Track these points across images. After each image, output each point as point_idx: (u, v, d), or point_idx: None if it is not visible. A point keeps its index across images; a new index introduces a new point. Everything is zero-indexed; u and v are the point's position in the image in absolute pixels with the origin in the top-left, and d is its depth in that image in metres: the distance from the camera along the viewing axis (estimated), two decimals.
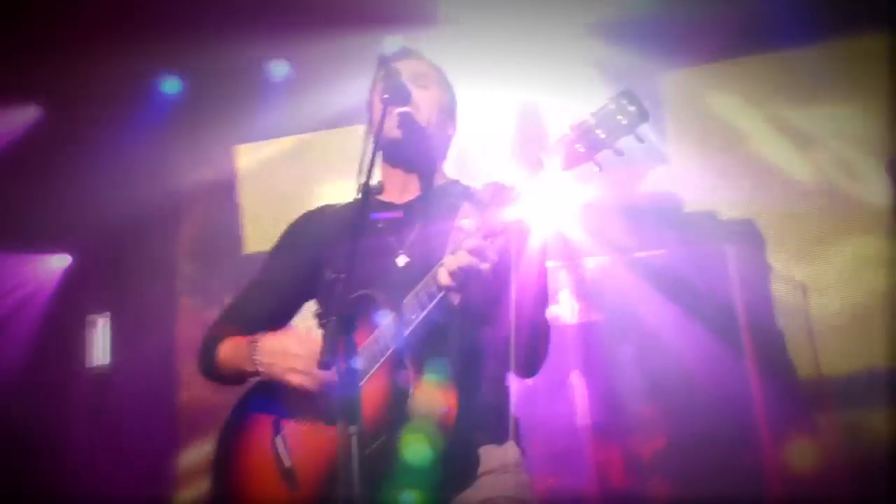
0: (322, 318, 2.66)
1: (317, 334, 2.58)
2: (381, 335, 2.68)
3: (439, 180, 3.12)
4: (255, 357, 2.83)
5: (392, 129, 2.89)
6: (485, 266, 2.52)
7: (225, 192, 6.58)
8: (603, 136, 2.41)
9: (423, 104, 3.00)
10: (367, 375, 2.65)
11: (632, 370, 5.29)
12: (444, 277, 2.55)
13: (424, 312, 2.61)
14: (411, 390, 2.57)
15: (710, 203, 5.73)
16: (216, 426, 3.09)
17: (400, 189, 3.09)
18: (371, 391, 2.57)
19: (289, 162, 6.49)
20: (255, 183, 6.61)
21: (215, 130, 6.30)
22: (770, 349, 5.32)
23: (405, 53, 3.13)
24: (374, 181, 2.58)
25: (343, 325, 2.24)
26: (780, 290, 5.54)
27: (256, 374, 2.87)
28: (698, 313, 5.14)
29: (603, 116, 2.42)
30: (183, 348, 6.23)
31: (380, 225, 2.93)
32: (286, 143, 6.54)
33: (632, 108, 2.40)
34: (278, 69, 6.10)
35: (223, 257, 6.40)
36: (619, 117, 2.40)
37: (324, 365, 2.19)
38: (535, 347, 2.86)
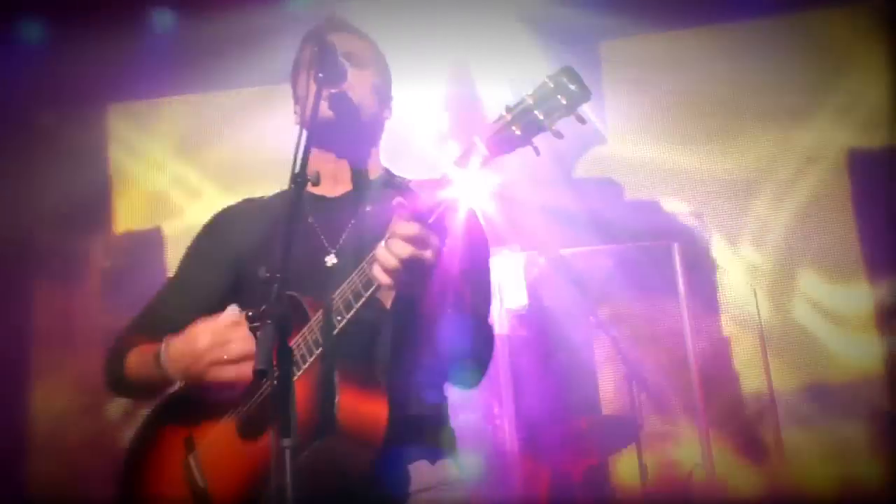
0: (253, 321, 2.44)
1: (228, 317, 2.60)
2: (305, 339, 2.57)
3: (374, 171, 3.02)
4: (163, 362, 2.69)
5: (323, 110, 2.76)
6: (427, 254, 2.38)
7: (94, 159, 6.07)
8: (541, 117, 2.30)
9: (358, 85, 2.88)
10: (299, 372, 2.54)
11: (564, 381, 5.13)
12: (379, 274, 2.41)
13: (351, 313, 2.48)
14: (337, 399, 2.46)
15: (654, 189, 5.54)
16: (74, 423, 2.74)
17: (332, 180, 2.96)
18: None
19: (169, 126, 6.11)
20: (130, 150, 6.13)
21: (86, 86, 5.85)
22: (715, 359, 5.21)
23: (337, 26, 3.00)
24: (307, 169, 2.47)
25: (279, 330, 2.17)
26: (730, 293, 5.36)
27: (170, 381, 2.73)
28: (640, 317, 5.05)
29: (541, 96, 2.31)
30: (38, 338, 5.73)
31: (310, 220, 2.86)
32: (168, 104, 6.14)
33: (572, 87, 2.29)
34: (162, 20, 5.70)
35: (89, 235, 5.94)
36: (559, 97, 2.29)
37: (260, 375, 2.09)
38: (476, 353, 2.75)
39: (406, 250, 2.36)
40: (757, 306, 5.25)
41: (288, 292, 2.44)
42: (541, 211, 5.23)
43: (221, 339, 2.61)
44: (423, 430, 2.74)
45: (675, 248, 5.18)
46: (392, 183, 2.96)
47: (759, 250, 5.41)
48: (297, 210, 2.39)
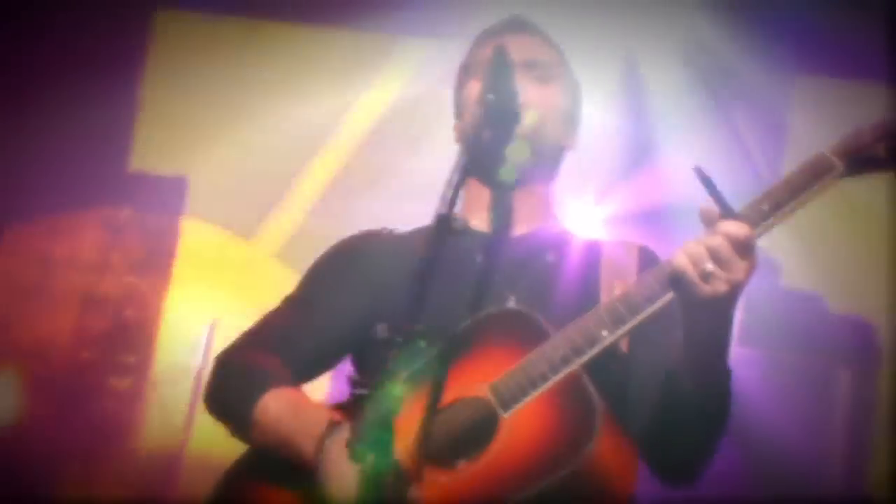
0: (357, 385, 2.23)
1: None
2: (544, 354, 2.41)
3: (547, 215, 2.89)
4: (325, 451, 2.44)
5: (484, 126, 2.44)
6: (742, 270, 2.21)
7: (122, 76, 5.52)
8: None
9: (539, 108, 2.70)
10: (516, 405, 2.40)
11: None
12: (685, 263, 2.23)
13: (624, 329, 2.36)
14: (592, 441, 2.30)
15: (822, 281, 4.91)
16: None
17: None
18: (523, 427, 2.38)
19: (226, 52, 5.57)
20: (172, 73, 5.59)
21: None
22: None
23: (518, 25, 2.87)
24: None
25: (387, 411, 1.99)
26: None
27: (306, 466, 2.47)
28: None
29: None
30: None
31: (478, 259, 2.64)
32: (226, 25, 5.62)
33: None
34: None
35: (96, 168, 5.37)
36: None
37: (357, 455, 1.95)
38: (711, 435, 2.51)
39: (727, 253, 2.21)
40: None
41: (512, 307, 2.58)
42: None
43: None
44: None
45: (841, 375, 4.48)
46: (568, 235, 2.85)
47: None
48: (434, 258, 2.20)
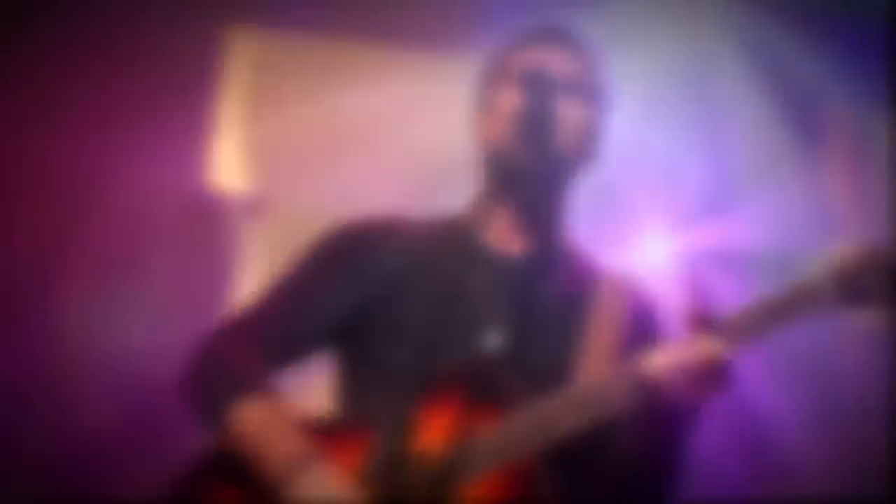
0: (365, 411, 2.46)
1: None
2: (511, 429, 2.42)
3: (557, 236, 2.82)
4: (298, 482, 2.39)
5: (517, 148, 2.64)
6: (707, 391, 2.31)
7: (194, 100, 5.46)
8: None
9: (568, 125, 2.68)
10: (473, 473, 2.38)
11: None
12: (656, 375, 2.33)
13: (600, 414, 2.39)
14: None
15: None
16: None
17: (507, 233, 2.79)
18: (476, 498, 2.36)
19: (306, 73, 5.51)
20: (251, 95, 5.56)
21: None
22: None
23: (557, 37, 2.81)
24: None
25: (394, 441, 2.17)
26: None
27: (284, 483, 2.42)
28: None
29: None
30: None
31: (476, 275, 2.73)
32: (303, 42, 5.58)
33: None
34: None
35: (172, 185, 5.31)
36: None
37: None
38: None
39: (700, 372, 2.27)
40: None
41: (487, 357, 2.53)
42: None
43: None
44: None
45: None
46: (577, 260, 2.82)
47: None
48: (466, 273, 2.42)
